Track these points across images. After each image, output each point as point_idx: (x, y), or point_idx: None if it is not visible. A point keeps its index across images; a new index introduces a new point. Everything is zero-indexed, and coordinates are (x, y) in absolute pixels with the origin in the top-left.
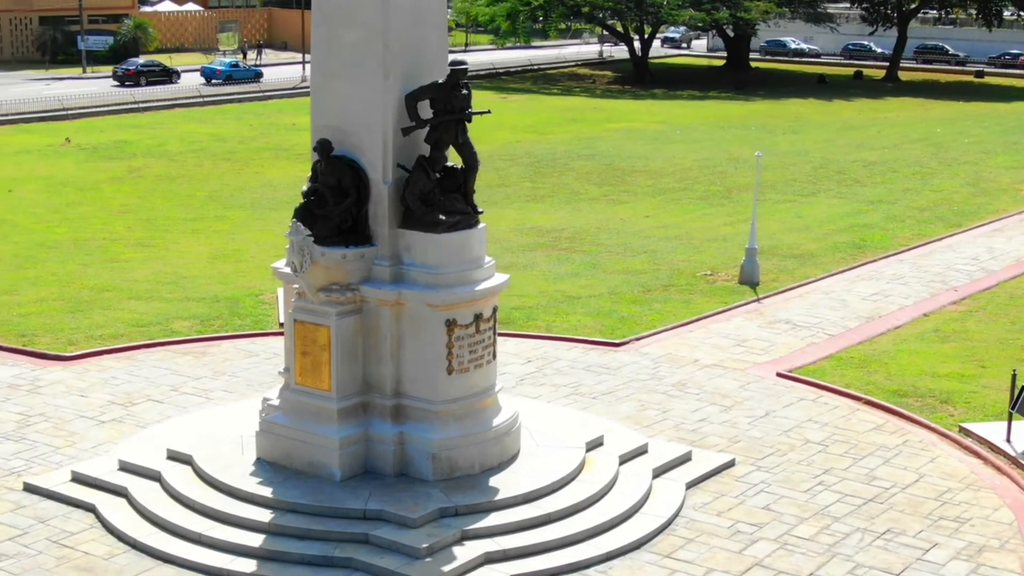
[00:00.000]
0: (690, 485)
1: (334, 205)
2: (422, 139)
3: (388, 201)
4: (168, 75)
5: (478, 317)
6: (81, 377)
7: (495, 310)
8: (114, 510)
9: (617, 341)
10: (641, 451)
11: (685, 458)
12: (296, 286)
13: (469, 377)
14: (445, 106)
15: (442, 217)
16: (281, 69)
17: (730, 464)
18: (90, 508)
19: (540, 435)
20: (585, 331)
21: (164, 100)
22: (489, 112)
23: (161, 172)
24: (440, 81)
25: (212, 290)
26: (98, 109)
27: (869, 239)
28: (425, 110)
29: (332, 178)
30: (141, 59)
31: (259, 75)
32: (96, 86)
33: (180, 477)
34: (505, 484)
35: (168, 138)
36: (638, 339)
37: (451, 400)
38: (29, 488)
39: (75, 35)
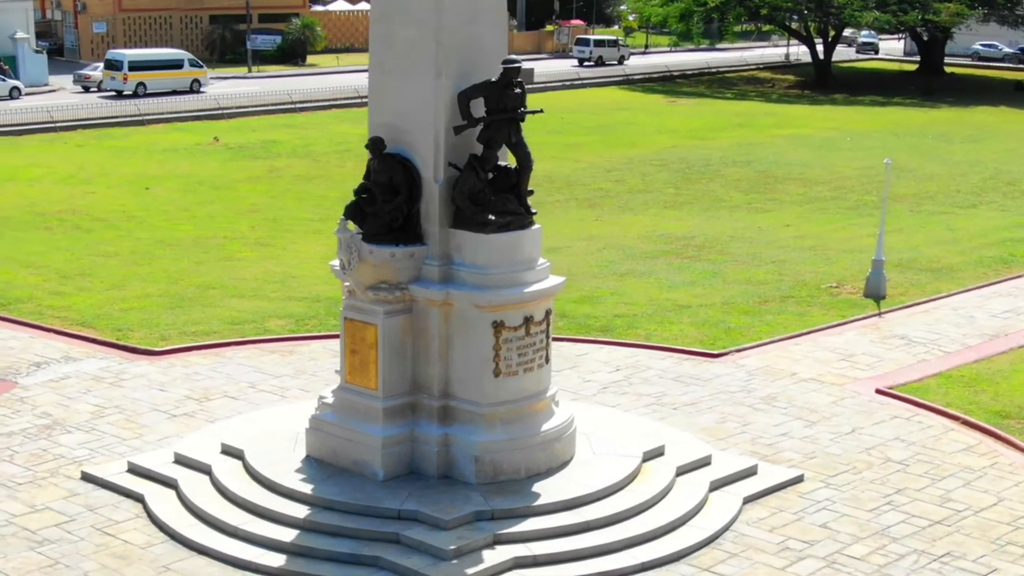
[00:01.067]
0: (749, 499)
1: (383, 203)
2: (475, 138)
3: (439, 200)
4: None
5: (528, 320)
6: (165, 372)
7: (548, 313)
8: (161, 501)
9: (715, 352)
10: (703, 463)
11: (749, 472)
12: (347, 284)
13: (518, 380)
14: (498, 105)
15: (491, 217)
16: None
17: (797, 480)
18: (139, 498)
19: (599, 442)
20: (685, 341)
21: (321, 101)
22: (541, 111)
23: (301, 172)
24: (493, 79)
25: (315, 290)
26: (253, 109)
27: (1019, 254)
28: (479, 109)
29: (384, 176)
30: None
31: None
32: (258, 86)
33: (228, 471)
34: (548, 490)
35: (317, 139)
36: (739, 350)
37: (497, 403)
38: (86, 477)
39: (244, 34)
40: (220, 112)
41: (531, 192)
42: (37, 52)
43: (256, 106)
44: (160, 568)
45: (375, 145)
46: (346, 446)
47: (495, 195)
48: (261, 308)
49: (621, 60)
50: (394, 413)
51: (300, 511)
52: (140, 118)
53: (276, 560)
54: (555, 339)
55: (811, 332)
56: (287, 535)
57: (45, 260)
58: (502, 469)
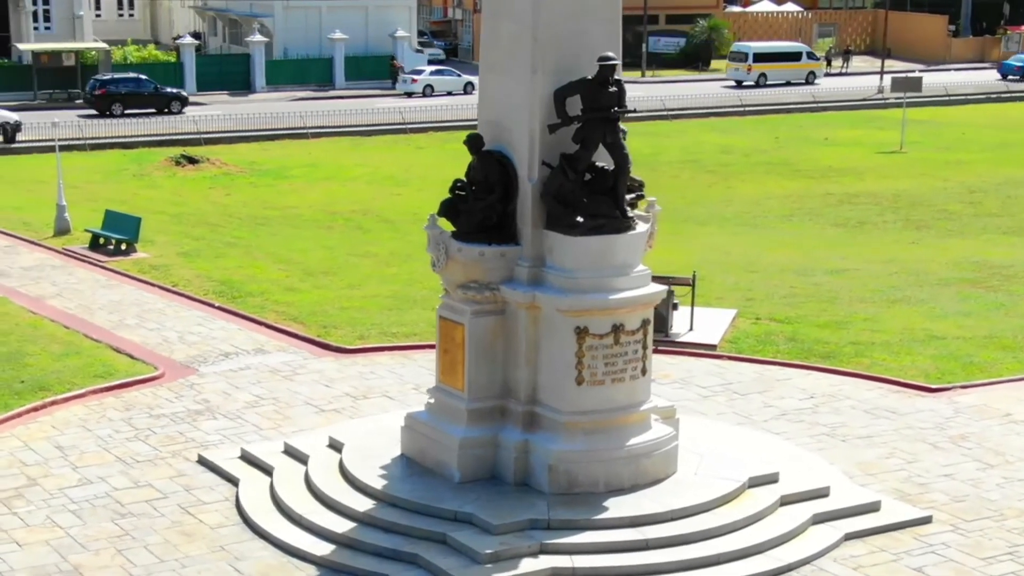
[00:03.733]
0: (852, 536)
1: (475, 200)
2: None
3: (532, 200)
4: None
5: (617, 328)
6: (342, 369)
7: (645, 323)
8: (251, 487)
9: (934, 386)
10: (818, 494)
11: (868, 508)
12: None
13: (604, 390)
14: (593, 103)
15: (580, 219)
16: (861, 79)
17: (923, 521)
18: (236, 483)
19: (708, 464)
20: (910, 373)
21: (698, 108)
22: (635, 111)
23: None
24: (589, 77)
25: None
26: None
27: None
28: (576, 107)
29: (480, 173)
30: None
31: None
32: (642, 90)
33: (321, 463)
34: (621, 505)
35: (669, 148)
36: (964, 387)
37: (580, 412)
38: (201, 460)
39: (645, 36)
40: None
41: (639, 195)
42: (418, 52)
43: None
44: (216, 548)
45: (473, 142)
46: (432, 446)
47: (590, 197)
48: None
49: None
50: (479, 415)
51: (364, 504)
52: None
53: (324, 549)
54: (764, 362)
55: None
56: (343, 526)
57: (301, 257)
58: (578, 481)
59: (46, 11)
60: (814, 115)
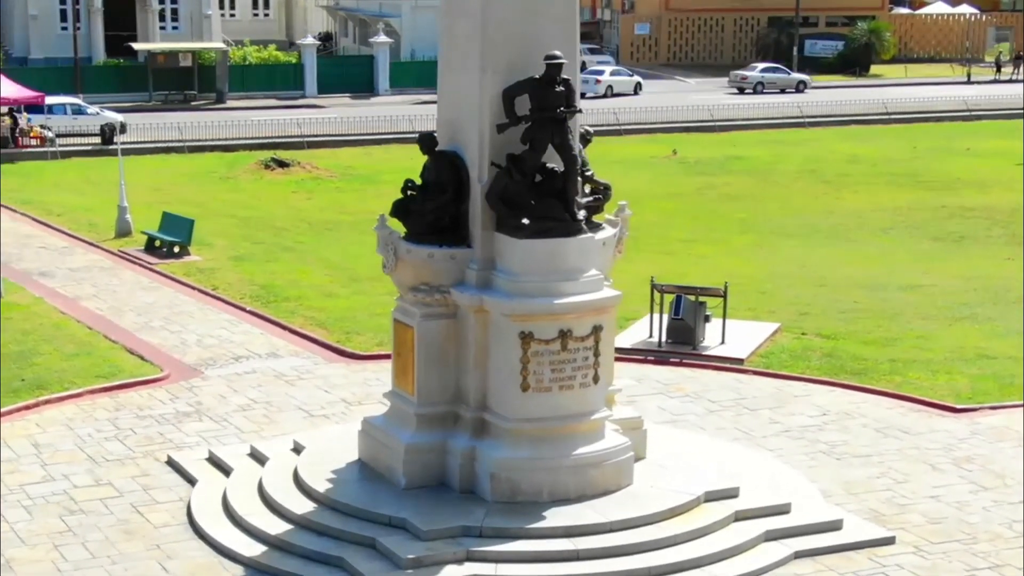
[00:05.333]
0: (803, 554)
1: (426, 201)
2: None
3: (482, 202)
4: None
5: (565, 334)
6: (347, 376)
7: (596, 329)
8: (206, 488)
9: (959, 407)
10: (777, 511)
11: (829, 527)
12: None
13: (551, 398)
14: (540, 103)
15: (525, 221)
16: None
17: (886, 541)
18: (195, 484)
19: (667, 477)
20: (940, 392)
21: (833, 116)
22: (580, 111)
23: (734, 191)
24: (536, 76)
25: None
26: (753, 121)
27: None
28: (525, 107)
29: (431, 174)
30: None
31: None
32: (787, 96)
33: (277, 466)
34: (560, 516)
35: (789, 157)
36: (992, 408)
37: (525, 419)
38: (169, 461)
39: (802, 38)
40: (714, 125)
41: (596, 198)
42: None
43: (758, 119)
44: (152, 546)
45: (425, 141)
46: (383, 451)
47: (539, 199)
48: None
49: None
50: (428, 421)
51: (304, 507)
52: (618, 128)
53: (255, 551)
54: (788, 377)
55: None
56: (279, 528)
57: (352, 263)
58: (520, 489)
59: (174, 10)
60: (965, 124)
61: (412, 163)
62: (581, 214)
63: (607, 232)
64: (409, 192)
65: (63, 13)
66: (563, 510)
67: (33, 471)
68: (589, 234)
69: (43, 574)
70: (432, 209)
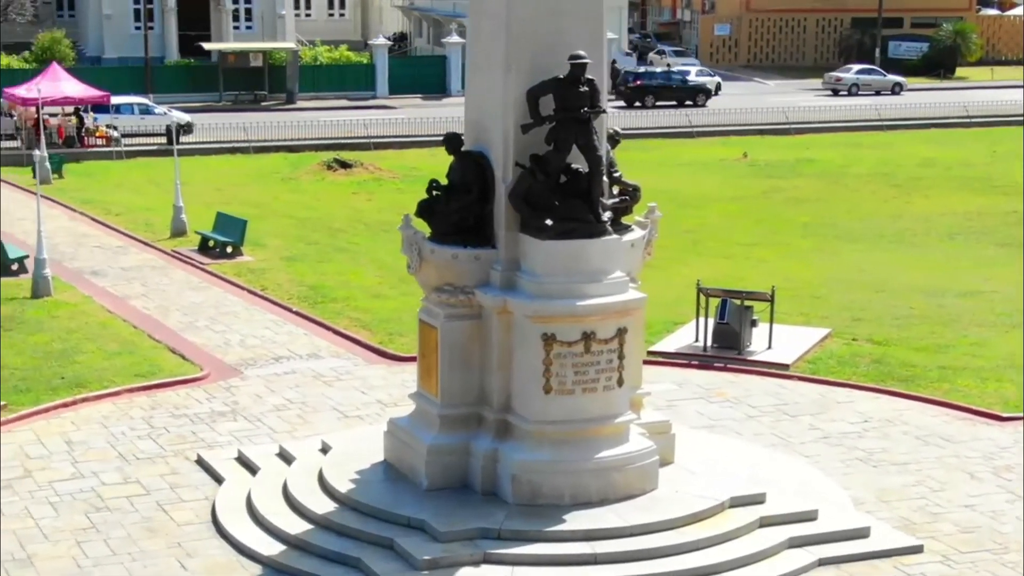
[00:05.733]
0: (827, 561)
1: (449, 202)
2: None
3: (507, 202)
4: None
5: (588, 336)
6: (386, 377)
7: (621, 331)
8: (232, 487)
9: (1005, 415)
10: (804, 517)
11: (856, 534)
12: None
13: (574, 400)
14: (563, 103)
15: (548, 222)
16: None
17: (913, 550)
18: (221, 483)
19: (694, 482)
20: (990, 400)
21: (916, 119)
22: (604, 111)
23: (802, 194)
24: (560, 76)
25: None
26: (830, 124)
27: None
28: (550, 107)
29: (457, 174)
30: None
31: None
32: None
33: (303, 466)
34: (581, 519)
35: (864, 160)
36: None
37: (547, 421)
38: (198, 460)
39: (885, 40)
40: (788, 127)
41: (623, 200)
42: (628, 55)
43: (834, 121)
44: (173, 544)
45: (450, 141)
46: (407, 452)
47: (563, 200)
48: None
49: None
50: (452, 422)
51: (324, 507)
52: (690, 130)
53: (274, 550)
54: (833, 383)
55: None
56: (299, 528)
57: (404, 264)
58: (541, 492)
59: (247, 10)
60: None
61: None
62: (606, 215)
63: (635, 234)
64: (434, 192)
65: (137, 13)
66: (583, 513)
67: (63, 468)
68: (614, 236)
69: (63, 570)
70: (456, 209)
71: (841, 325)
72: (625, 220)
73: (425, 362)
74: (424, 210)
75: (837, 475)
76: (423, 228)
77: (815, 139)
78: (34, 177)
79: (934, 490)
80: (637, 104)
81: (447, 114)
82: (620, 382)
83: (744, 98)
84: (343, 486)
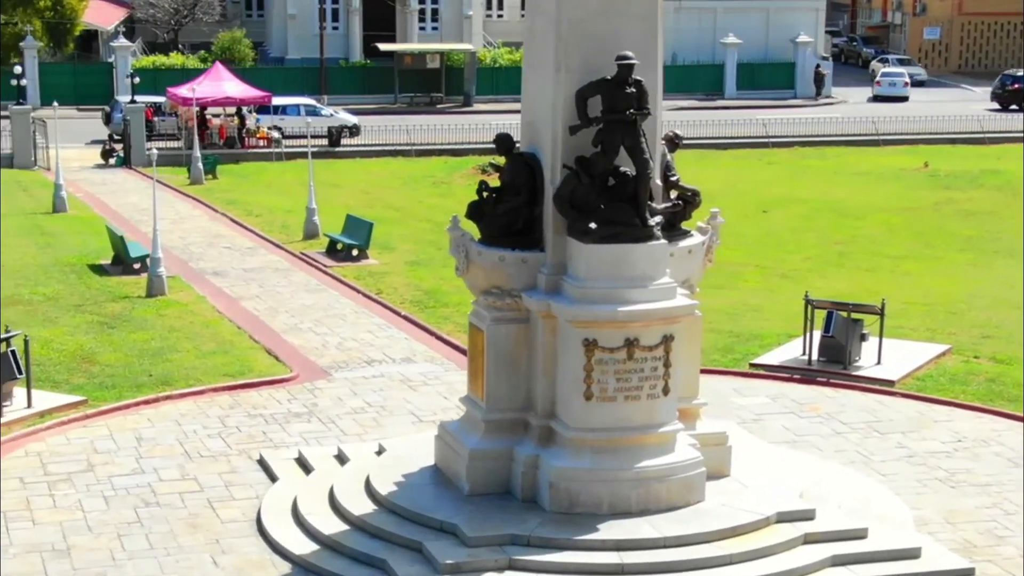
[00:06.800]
0: None
1: (499, 203)
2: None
3: (551, 204)
4: None
5: (631, 342)
6: None
7: (667, 339)
8: (282, 486)
9: None
10: (853, 535)
11: (906, 554)
12: None
13: (615, 408)
14: (610, 105)
15: (592, 226)
16: None
17: (964, 573)
18: (275, 482)
19: (742, 496)
20: None
21: None
22: (649, 113)
23: (975, 207)
24: (608, 77)
25: (745, 325)
26: None
27: None
28: (598, 109)
29: (507, 176)
30: None
31: None
32: None
33: (354, 468)
34: (615, 529)
35: None
36: None
37: (587, 429)
38: (259, 459)
39: None
40: (983, 137)
41: (676, 205)
42: (824, 58)
43: None
44: (211, 541)
45: (501, 142)
46: (452, 456)
47: (609, 203)
48: None
49: None
50: (497, 427)
51: (363, 509)
52: (875, 138)
53: (308, 550)
54: (935, 401)
55: None
56: (335, 528)
57: None
58: (579, 500)
59: (434, 11)
60: None
61: None
62: (654, 220)
63: (693, 240)
64: (484, 194)
65: (322, 13)
66: (620, 524)
67: (126, 463)
68: (661, 241)
69: (98, 562)
70: (504, 212)
71: (968, 342)
72: (684, 225)
73: (473, 365)
74: (474, 212)
75: (909, 494)
76: (472, 230)
77: (1009, 149)
78: (188, 177)
79: (1007, 513)
80: (1013, 107)
81: None
82: (666, 391)
83: (944, 105)
84: (386, 488)
